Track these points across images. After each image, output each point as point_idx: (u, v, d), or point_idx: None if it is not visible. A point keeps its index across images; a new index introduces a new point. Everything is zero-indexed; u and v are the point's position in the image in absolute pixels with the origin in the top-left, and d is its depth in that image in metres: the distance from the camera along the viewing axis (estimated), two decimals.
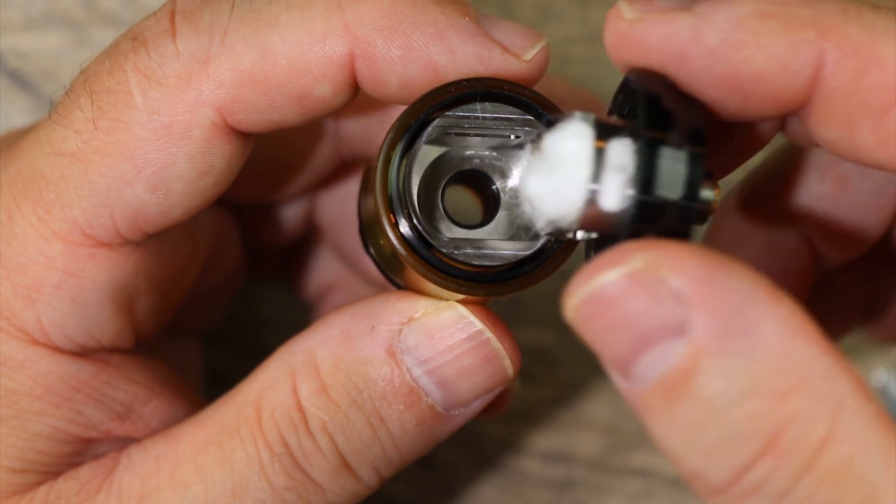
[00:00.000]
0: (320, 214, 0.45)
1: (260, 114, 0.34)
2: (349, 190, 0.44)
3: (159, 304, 0.38)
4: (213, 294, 0.45)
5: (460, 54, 0.34)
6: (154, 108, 0.34)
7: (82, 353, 0.36)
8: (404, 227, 0.33)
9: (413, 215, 0.33)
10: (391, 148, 0.34)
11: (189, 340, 0.46)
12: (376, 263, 0.37)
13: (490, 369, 0.35)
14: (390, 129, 0.34)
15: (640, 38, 0.31)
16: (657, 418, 0.28)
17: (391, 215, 0.33)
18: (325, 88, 0.34)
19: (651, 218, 0.30)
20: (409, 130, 0.34)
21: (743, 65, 0.31)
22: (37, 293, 0.35)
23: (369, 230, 0.36)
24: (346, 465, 0.36)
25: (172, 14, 0.35)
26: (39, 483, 0.36)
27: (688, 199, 0.30)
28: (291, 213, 0.45)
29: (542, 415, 0.50)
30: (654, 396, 0.28)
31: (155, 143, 0.34)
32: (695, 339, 0.27)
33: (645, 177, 0.30)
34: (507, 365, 0.35)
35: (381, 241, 0.34)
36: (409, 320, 0.35)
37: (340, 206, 0.44)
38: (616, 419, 0.49)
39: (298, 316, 0.50)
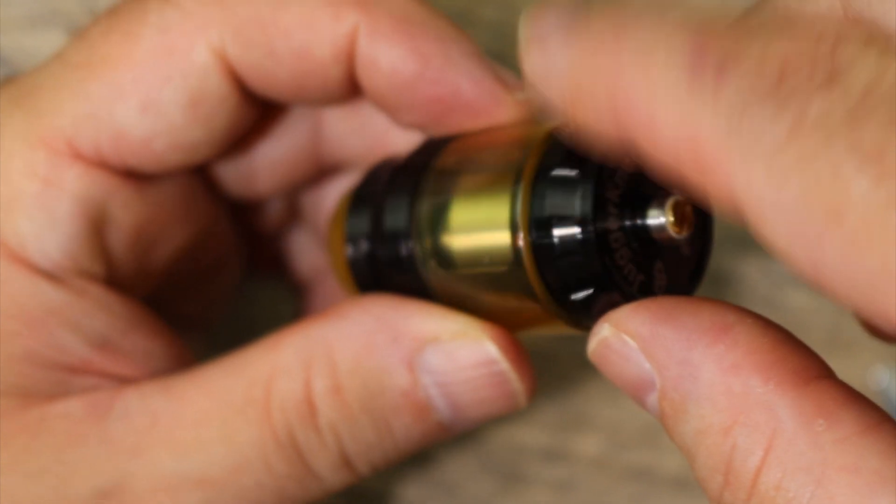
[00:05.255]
0: (302, 200, 0.46)
1: (259, 58, 0.36)
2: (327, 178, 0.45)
3: (137, 250, 0.39)
4: (212, 282, 0.46)
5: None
6: (165, 27, 0.36)
7: (58, 276, 0.36)
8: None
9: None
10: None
11: (194, 336, 0.46)
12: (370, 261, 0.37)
13: (505, 401, 0.37)
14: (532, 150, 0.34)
15: None
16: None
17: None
18: (325, 51, 0.36)
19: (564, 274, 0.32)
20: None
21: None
22: (17, 203, 0.36)
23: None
24: (347, 462, 0.37)
25: None
26: (25, 407, 0.36)
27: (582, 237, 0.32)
28: (275, 202, 0.46)
29: (543, 414, 0.50)
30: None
31: (156, 59, 0.37)
32: (660, 390, 0.30)
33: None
34: (522, 398, 0.37)
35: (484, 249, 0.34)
36: (435, 340, 0.35)
37: (320, 191, 0.45)
38: (617, 419, 0.49)
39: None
